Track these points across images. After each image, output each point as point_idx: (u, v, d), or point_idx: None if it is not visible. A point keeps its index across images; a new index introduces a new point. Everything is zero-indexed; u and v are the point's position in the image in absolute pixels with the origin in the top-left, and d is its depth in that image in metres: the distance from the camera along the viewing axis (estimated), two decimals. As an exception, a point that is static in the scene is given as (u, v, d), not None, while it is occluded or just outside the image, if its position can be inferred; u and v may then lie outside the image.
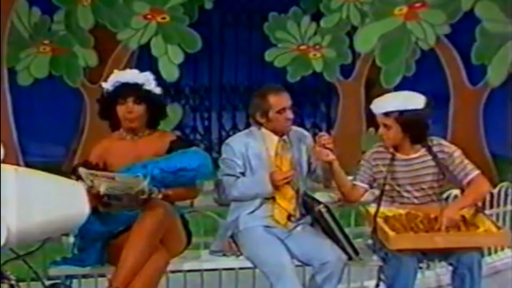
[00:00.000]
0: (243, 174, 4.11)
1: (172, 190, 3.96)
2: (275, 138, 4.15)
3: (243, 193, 4.09)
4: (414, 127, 4.06)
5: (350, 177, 4.41)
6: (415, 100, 4.08)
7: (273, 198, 4.11)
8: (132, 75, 4.12)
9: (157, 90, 4.15)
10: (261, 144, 4.14)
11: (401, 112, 4.03)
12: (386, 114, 4.06)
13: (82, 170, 3.81)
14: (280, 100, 4.08)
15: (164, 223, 3.83)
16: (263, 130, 4.16)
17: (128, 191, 3.77)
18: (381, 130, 4.13)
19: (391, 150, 4.16)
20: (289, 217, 4.12)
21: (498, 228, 4.06)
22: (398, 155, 4.15)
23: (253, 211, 4.10)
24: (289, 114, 4.09)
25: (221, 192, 4.21)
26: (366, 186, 4.22)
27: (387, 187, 4.13)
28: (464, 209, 4.04)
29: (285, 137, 4.16)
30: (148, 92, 4.08)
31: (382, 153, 4.20)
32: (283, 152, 4.15)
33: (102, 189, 3.75)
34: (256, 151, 4.12)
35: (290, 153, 4.17)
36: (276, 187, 4.04)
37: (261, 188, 4.05)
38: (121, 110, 4.06)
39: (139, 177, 3.77)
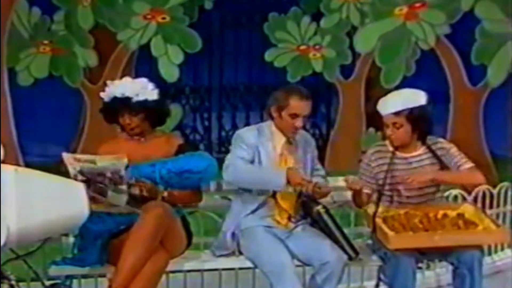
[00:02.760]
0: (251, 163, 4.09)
1: (178, 191, 3.96)
2: (283, 138, 4.14)
3: (252, 180, 4.03)
4: (423, 123, 4.09)
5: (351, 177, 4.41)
6: (419, 97, 4.11)
7: (275, 199, 4.11)
8: (123, 88, 4.09)
9: (154, 95, 4.12)
10: (269, 141, 4.13)
11: (411, 110, 4.05)
12: (397, 113, 4.07)
13: (65, 155, 3.83)
14: (299, 106, 4.05)
15: (163, 224, 3.83)
16: (273, 127, 4.15)
17: (105, 171, 3.78)
18: (390, 130, 4.11)
19: (391, 149, 4.17)
20: (289, 217, 4.13)
21: (497, 225, 4.07)
22: (398, 154, 4.16)
23: (253, 211, 4.10)
24: (298, 122, 4.06)
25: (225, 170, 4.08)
26: (369, 191, 4.21)
27: (386, 187, 4.13)
28: (437, 180, 4.10)
29: (291, 139, 4.16)
30: (142, 102, 4.07)
31: (382, 152, 4.20)
32: (287, 153, 4.15)
33: (78, 169, 3.77)
34: (265, 146, 4.11)
35: (294, 156, 4.16)
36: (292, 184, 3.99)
37: (275, 178, 3.96)
38: (121, 120, 4.11)
39: (119, 158, 3.78)
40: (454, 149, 4.16)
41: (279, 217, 4.12)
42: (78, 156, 3.88)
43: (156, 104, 4.12)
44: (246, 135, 4.13)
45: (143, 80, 4.16)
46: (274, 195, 4.11)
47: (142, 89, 4.10)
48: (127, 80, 4.17)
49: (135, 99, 4.05)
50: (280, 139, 4.14)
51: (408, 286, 3.93)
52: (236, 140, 4.13)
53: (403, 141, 4.13)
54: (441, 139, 4.25)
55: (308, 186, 3.95)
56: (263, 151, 4.09)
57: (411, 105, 4.05)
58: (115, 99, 4.08)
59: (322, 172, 4.32)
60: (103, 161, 3.80)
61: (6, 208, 3.13)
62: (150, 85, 4.15)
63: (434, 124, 4.20)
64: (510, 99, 8.06)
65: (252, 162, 4.07)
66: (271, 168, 4.06)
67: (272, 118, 4.15)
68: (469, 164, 4.12)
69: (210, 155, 4.17)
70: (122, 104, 4.06)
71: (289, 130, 4.11)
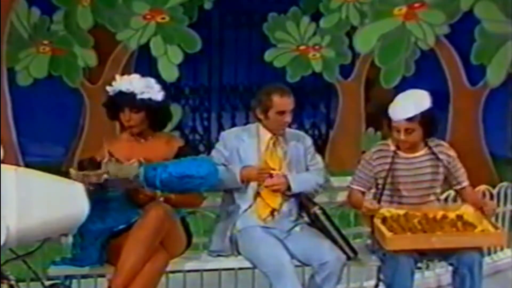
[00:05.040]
0: (225, 166, 4.15)
1: (175, 195, 3.96)
2: (269, 134, 4.19)
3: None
4: (432, 125, 4.12)
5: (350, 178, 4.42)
6: (426, 99, 4.11)
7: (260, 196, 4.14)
8: (129, 83, 4.06)
9: (159, 96, 4.09)
10: (254, 139, 4.19)
11: (422, 114, 4.05)
12: (410, 119, 4.06)
13: (73, 172, 3.82)
14: (283, 102, 4.10)
15: (164, 225, 3.83)
16: (260, 126, 4.20)
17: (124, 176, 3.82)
18: (403, 136, 4.08)
19: (393, 148, 4.17)
20: (272, 212, 4.12)
21: (496, 228, 4.07)
22: (400, 154, 4.16)
23: (246, 210, 4.11)
24: (287, 118, 4.12)
25: None
26: (363, 189, 4.21)
27: (387, 186, 4.13)
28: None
29: (279, 135, 4.19)
30: (146, 100, 4.04)
31: (384, 151, 4.20)
32: (274, 148, 4.19)
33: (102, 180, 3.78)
34: (248, 145, 4.17)
35: (281, 151, 4.19)
36: (250, 181, 4.09)
37: (232, 176, 4.09)
38: (121, 116, 4.08)
39: (133, 164, 3.81)
40: (457, 160, 4.21)
41: (261, 211, 4.12)
42: (87, 172, 3.83)
43: (159, 105, 4.09)
44: (229, 136, 4.23)
45: (151, 80, 4.14)
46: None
47: (148, 88, 4.07)
48: (135, 77, 4.13)
49: (139, 96, 4.04)
50: (266, 137, 4.18)
51: (407, 286, 3.94)
52: (219, 142, 4.25)
53: (414, 144, 4.14)
54: (443, 142, 4.26)
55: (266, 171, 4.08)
56: (243, 149, 4.15)
57: (421, 109, 4.05)
58: (119, 93, 4.05)
59: (319, 166, 4.32)
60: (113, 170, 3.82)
61: (6, 208, 3.14)
62: (157, 86, 4.12)
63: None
64: (510, 99, 8.07)
65: (231, 163, 4.14)
66: (228, 169, 4.13)
67: (258, 119, 4.20)
68: (467, 182, 4.24)
69: (212, 160, 4.14)
70: (125, 99, 4.03)
71: (278, 127, 4.16)
